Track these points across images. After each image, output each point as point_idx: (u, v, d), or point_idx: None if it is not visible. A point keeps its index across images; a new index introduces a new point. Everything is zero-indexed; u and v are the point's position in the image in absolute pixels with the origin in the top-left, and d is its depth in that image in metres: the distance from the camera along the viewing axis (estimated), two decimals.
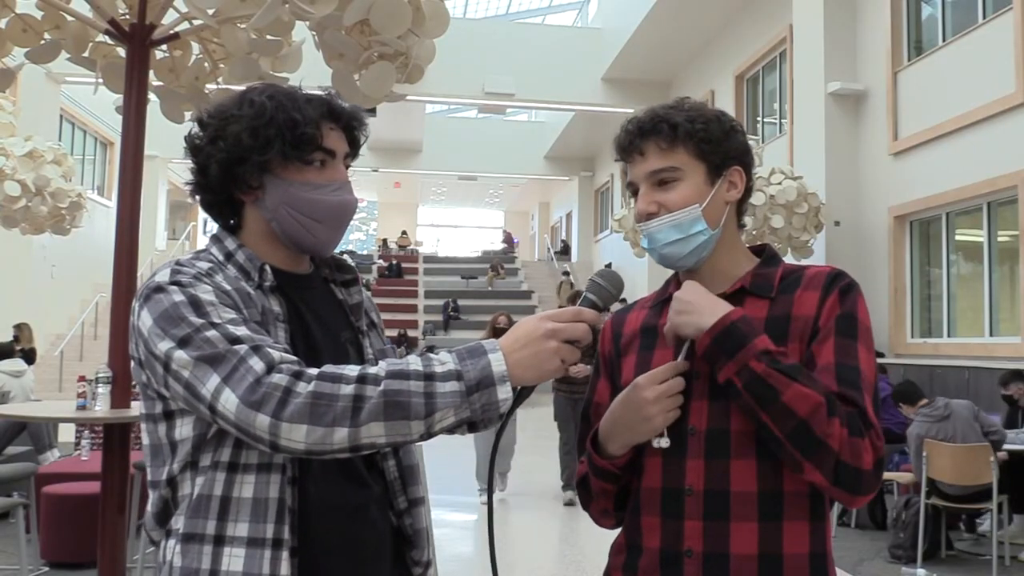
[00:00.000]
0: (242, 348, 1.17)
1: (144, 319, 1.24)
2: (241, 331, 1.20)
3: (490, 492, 1.31)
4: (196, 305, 1.22)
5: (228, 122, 1.33)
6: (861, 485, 1.25)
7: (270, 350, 1.18)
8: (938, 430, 5.53)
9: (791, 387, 1.24)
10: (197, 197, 1.39)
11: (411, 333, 20.07)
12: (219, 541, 1.23)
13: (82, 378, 3.86)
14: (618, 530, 1.50)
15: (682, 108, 1.41)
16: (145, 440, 1.32)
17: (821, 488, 1.28)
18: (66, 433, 8.51)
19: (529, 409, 16.81)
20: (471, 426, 1.18)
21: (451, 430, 1.18)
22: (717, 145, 1.39)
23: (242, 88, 1.41)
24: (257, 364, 1.16)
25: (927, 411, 5.66)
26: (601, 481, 1.43)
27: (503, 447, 6.14)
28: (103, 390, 3.65)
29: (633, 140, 1.41)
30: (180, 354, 1.19)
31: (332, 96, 1.40)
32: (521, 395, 1.20)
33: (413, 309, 21.81)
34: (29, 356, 8.85)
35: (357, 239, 37.95)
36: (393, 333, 19.26)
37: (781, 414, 1.24)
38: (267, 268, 1.35)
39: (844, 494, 1.27)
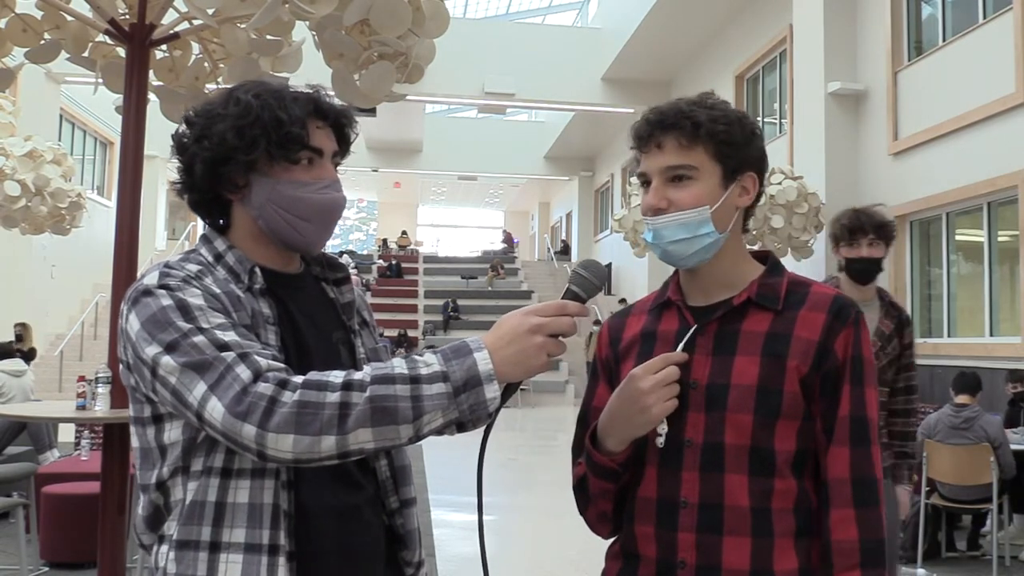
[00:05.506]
0: (229, 355, 1.16)
1: (132, 323, 1.23)
2: (229, 336, 1.19)
3: (479, 491, 1.30)
4: (184, 310, 1.21)
5: (214, 121, 1.31)
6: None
7: (257, 357, 1.17)
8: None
9: None
10: (184, 196, 1.38)
11: (411, 333, 20.05)
12: (215, 548, 1.21)
13: (82, 378, 3.85)
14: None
15: (706, 105, 1.38)
16: (135, 443, 1.30)
17: None
18: (66, 433, 8.51)
19: (527, 409, 16.79)
20: (459, 426, 1.17)
21: (440, 431, 1.17)
22: (737, 149, 1.37)
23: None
24: (244, 372, 1.15)
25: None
26: (600, 480, 1.40)
27: None
28: (103, 390, 3.65)
29: (653, 131, 1.38)
30: (167, 360, 1.18)
31: (320, 94, 1.37)
32: (507, 392, 1.19)
33: (413, 309, 21.79)
34: (29, 356, 8.86)
35: (357, 239, 37.91)
36: (393, 333, 19.25)
37: None
38: (257, 271, 1.33)
39: None
